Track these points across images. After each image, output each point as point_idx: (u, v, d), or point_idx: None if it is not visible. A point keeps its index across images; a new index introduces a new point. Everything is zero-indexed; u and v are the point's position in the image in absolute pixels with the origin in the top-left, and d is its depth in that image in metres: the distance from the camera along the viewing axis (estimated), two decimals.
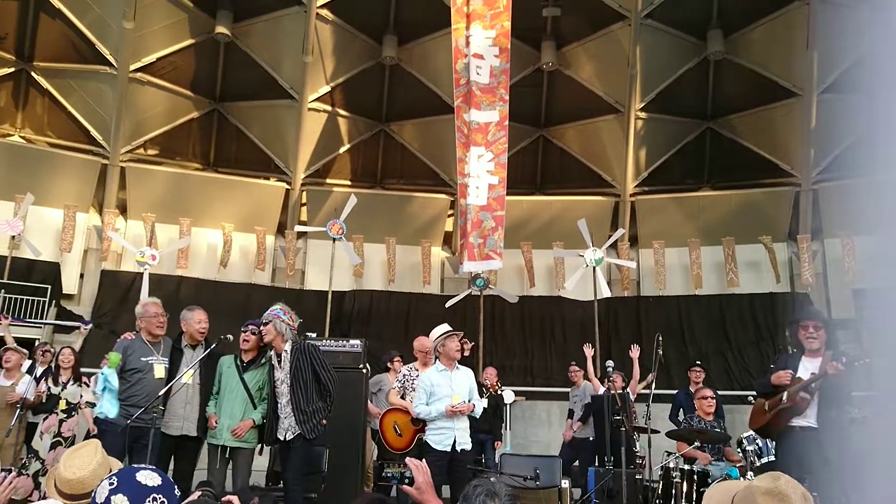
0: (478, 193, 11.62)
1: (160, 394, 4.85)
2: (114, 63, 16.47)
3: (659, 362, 5.72)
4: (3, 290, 13.84)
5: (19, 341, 8.26)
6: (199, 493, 2.47)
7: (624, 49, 16.98)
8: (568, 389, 14.06)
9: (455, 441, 5.10)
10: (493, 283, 16.09)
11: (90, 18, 16.38)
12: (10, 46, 16.57)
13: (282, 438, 5.00)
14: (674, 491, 5.73)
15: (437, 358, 5.40)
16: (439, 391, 5.22)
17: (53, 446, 6.64)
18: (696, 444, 5.96)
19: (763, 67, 16.98)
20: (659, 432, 6.10)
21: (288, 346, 4.99)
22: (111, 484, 1.93)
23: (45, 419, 6.82)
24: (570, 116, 18.73)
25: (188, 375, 5.10)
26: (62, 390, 6.91)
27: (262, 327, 5.10)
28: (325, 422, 4.96)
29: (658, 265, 17.54)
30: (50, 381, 6.94)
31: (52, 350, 7.42)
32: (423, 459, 2.50)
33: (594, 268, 14.66)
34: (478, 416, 5.37)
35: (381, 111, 19.17)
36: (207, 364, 5.25)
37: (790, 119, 16.91)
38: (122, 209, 17.35)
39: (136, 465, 2.05)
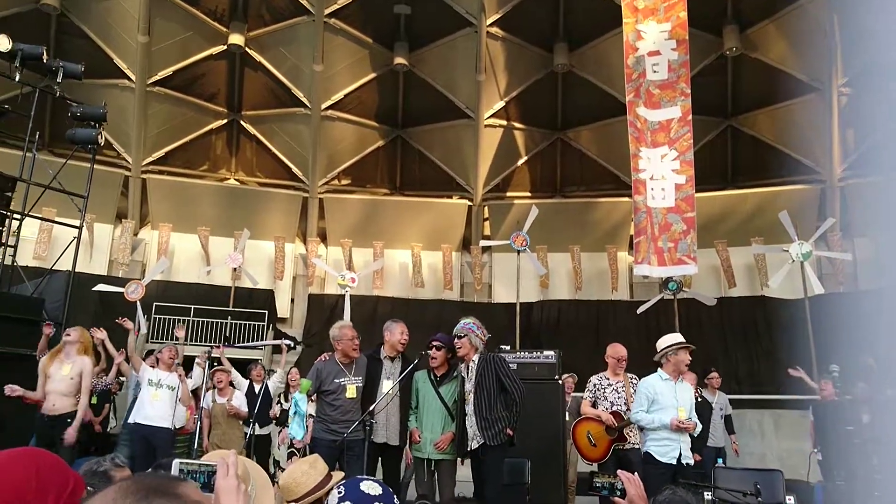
0: (664, 195, 11.10)
1: (371, 408, 5.15)
2: (308, 104, 18.00)
3: None
4: (229, 317, 15.54)
5: (242, 362, 9.27)
6: (418, 503, 2.59)
7: (818, 21, 15.50)
8: (777, 396, 13.02)
9: (681, 454, 4.91)
10: (686, 285, 15.29)
11: (286, 67, 18.06)
12: (223, 101, 18.71)
13: (469, 449, 5.08)
14: None
15: (660, 365, 5.24)
16: (663, 400, 5.01)
17: (289, 456, 7.30)
18: None
19: None
20: None
21: (476, 357, 5.09)
22: (339, 493, 2.08)
23: (279, 432, 7.52)
24: (761, 102, 17.40)
25: (388, 387, 5.33)
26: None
27: (456, 340, 5.23)
28: (510, 431, 4.91)
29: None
30: (282, 397, 7.64)
31: (263, 368, 8.14)
32: (637, 470, 2.42)
33: (802, 263, 13.44)
34: (696, 436, 5.12)
35: (556, 120, 19.10)
36: (406, 379, 5.46)
37: None
38: (323, 237, 18.80)
39: (361, 476, 2.19)
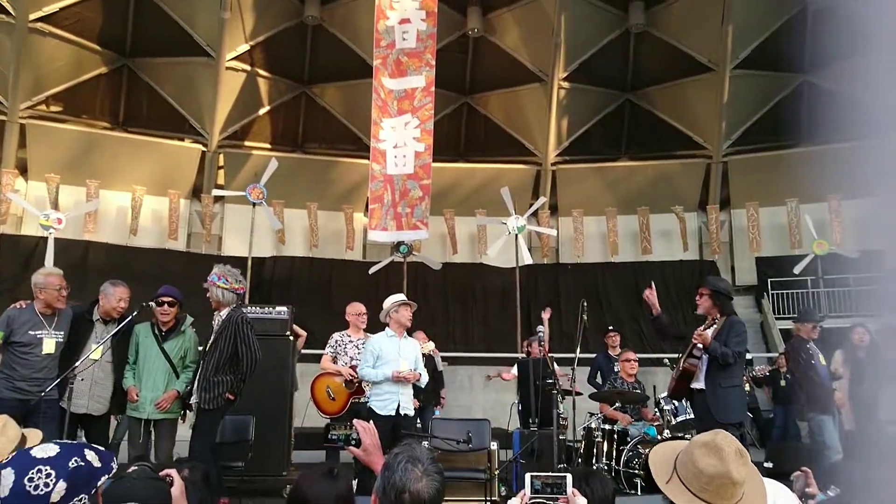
0: (405, 161, 11.52)
1: (77, 366, 4.61)
2: (11, 11, 15.27)
3: (584, 327, 5.92)
4: None
5: None
6: (136, 466, 2.37)
7: (549, 17, 17.10)
8: (487, 354, 14.42)
9: (399, 406, 5.14)
10: (416, 249, 16.12)
11: None
12: None
13: (190, 402, 4.90)
14: (595, 450, 5.98)
15: (387, 324, 5.44)
16: (387, 356, 5.24)
17: None
18: (617, 404, 6.23)
19: (681, 41, 17.49)
20: (582, 394, 6.33)
21: (225, 312, 4.82)
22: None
23: None
24: (495, 84, 18.79)
25: (97, 353, 4.81)
26: None
27: (207, 294, 4.91)
28: (230, 396, 4.72)
29: (577, 233, 18.01)
30: None
31: None
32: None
33: (516, 235, 14.90)
34: (423, 387, 5.43)
35: (302, 73, 18.65)
36: (121, 335, 4.99)
37: (704, 93, 17.55)
38: (22, 169, 16.28)
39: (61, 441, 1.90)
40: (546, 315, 8.28)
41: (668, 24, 17.51)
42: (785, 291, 16.29)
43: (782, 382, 9.80)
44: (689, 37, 17.29)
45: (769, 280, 16.67)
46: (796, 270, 15.67)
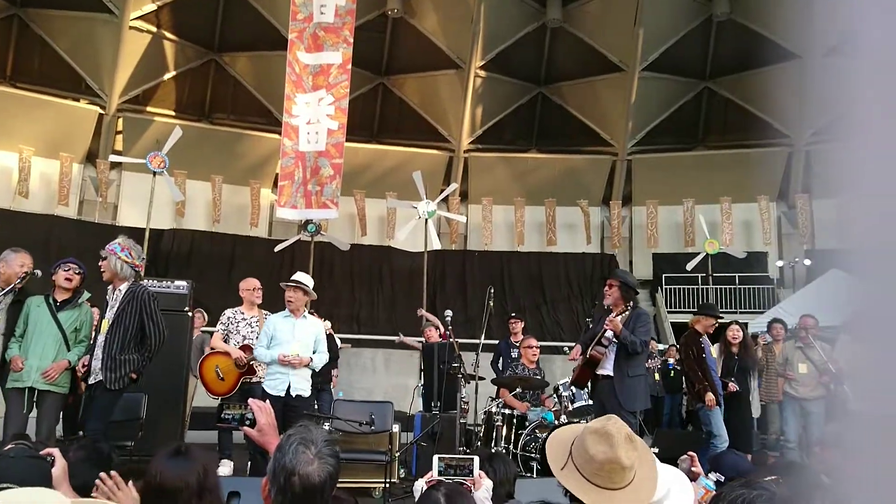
0: (317, 139, 11.26)
1: None
2: None
3: (490, 313, 6.01)
4: None
5: None
6: (13, 444, 2.21)
7: (469, 5, 17.15)
8: (395, 337, 14.40)
9: (290, 386, 5.04)
10: (324, 229, 15.88)
11: None
12: None
13: (90, 382, 4.62)
14: (494, 434, 6.10)
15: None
16: (281, 336, 5.13)
17: None
18: (518, 390, 6.38)
19: (594, 40, 17.96)
20: (484, 379, 6.44)
21: (124, 287, 4.55)
22: None
23: None
24: (412, 67, 18.68)
25: None
26: None
27: (100, 262, 4.62)
28: (134, 375, 4.54)
29: (485, 221, 18.26)
30: None
31: None
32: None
33: (426, 220, 14.92)
34: (317, 370, 5.32)
35: (213, 39, 17.88)
36: (11, 306, 4.67)
37: (613, 92, 18.13)
38: None
39: None
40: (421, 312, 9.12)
41: (584, 22, 17.94)
42: (677, 286, 17.15)
43: (671, 373, 10.33)
44: (603, 36, 17.78)
45: (664, 275, 17.51)
46: (688, 267, 16.55)
